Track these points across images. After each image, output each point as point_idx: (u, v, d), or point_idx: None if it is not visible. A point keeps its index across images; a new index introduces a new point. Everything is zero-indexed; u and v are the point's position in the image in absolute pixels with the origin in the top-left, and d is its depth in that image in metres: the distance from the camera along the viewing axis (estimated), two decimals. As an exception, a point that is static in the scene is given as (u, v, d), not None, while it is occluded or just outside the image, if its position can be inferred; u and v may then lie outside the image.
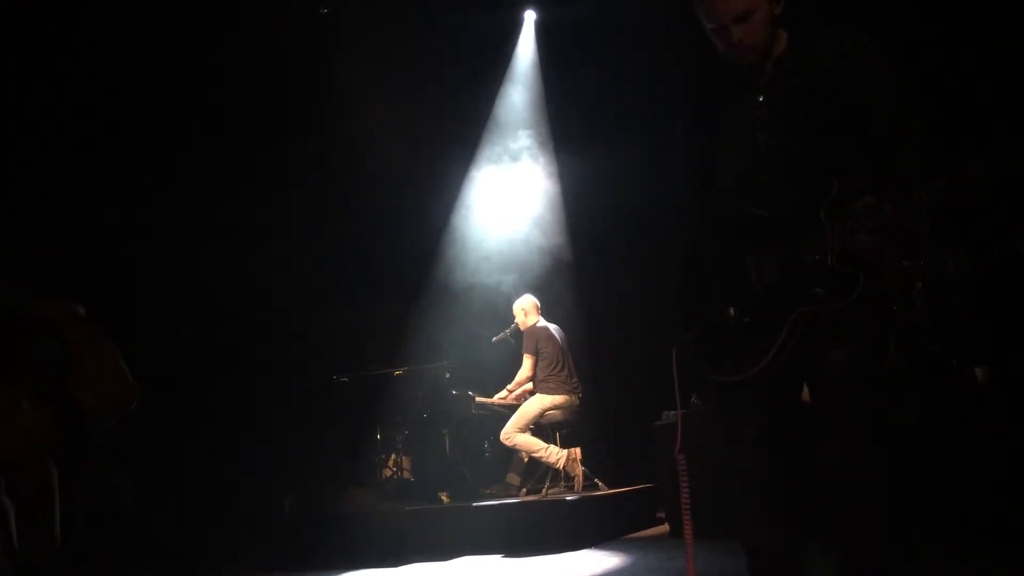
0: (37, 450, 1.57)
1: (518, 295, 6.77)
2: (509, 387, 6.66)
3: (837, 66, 2.20)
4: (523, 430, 6.19)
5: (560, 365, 6.33)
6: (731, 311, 2.28)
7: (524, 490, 6.26)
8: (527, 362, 6.45)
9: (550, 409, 6.23)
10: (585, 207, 7.48)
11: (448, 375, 6.92)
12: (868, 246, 2.04)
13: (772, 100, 2.28)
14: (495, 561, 4.87)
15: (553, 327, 6.53)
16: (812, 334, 2.14)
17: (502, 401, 6.67)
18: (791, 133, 2.24)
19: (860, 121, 2.19)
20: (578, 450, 6.06)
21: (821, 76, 2.21)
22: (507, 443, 6.21)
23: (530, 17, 7.83)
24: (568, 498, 5.47)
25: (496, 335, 6.91)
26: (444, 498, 6.28)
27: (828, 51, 2.23)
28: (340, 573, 4.88)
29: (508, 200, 7.81)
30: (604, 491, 5.95)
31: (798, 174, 2.21)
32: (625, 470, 6.48)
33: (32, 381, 1.60)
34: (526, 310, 6.60)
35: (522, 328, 6.59)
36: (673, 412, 5.28)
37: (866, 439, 2.15)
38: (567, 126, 7.62)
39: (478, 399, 6.68)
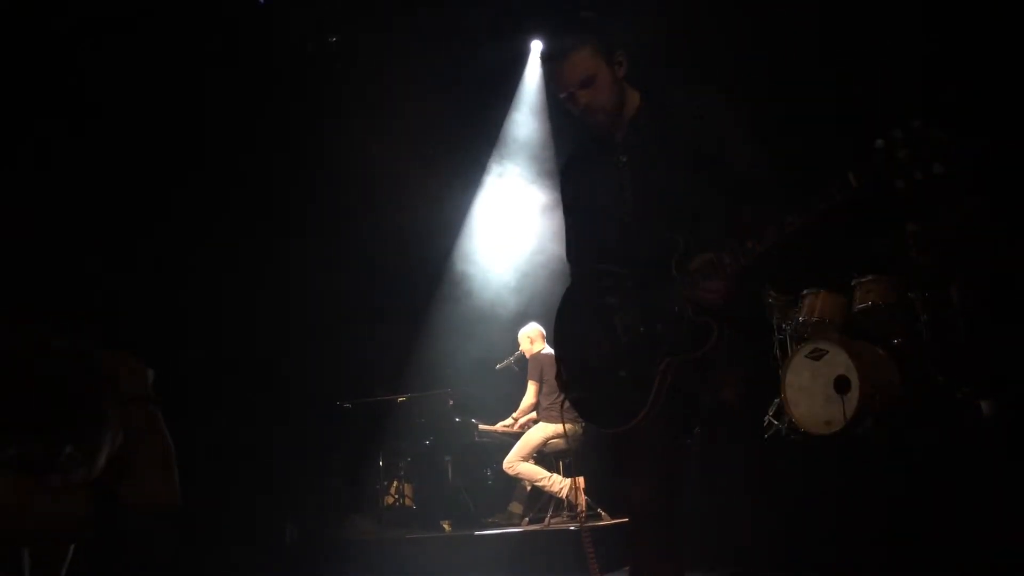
0: (66, 537, 1.48)
1: (523, 323, 6.76)
2: (514, 415, 6.63)
3: (688, 121, 2.34)
4: (526, 459, 6.16)
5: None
6: (606, 366, 2.41)
7: (527, 519, 6.21)
8: (531, 389, 6.43)
9: (553, 438, 6.20)
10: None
11: (451, 402, 6.90)
12: (714, 296, 2.18)
13: (633, 159, 2.41)
14: (497, 591, 4.83)
15: (558, 355, 6.51)
16: (685, 378, 2.29)
17: (506, 429, 6.64)
18: (650, 190, 2.38)
19: (713, 174, 2.32)
20: (581, 479, 6.02)
21: (674, 132, 2.35)
22: (510, 472, 6.18)
23: (537, 47, 7.90)
24: (571, 528, 5.43)
25: (500, 362, 6.90)
26: (446, 526, 6.24)
27: (679, 107, 2.38)
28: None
29: (515, 227, 7.83)
30: (607, 521, 5.90)
31: (657, 230, 2.33)
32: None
33: (79, 446, 1.49)
34: (531, 338, 6.58)
35: (527, 355, 6.58)
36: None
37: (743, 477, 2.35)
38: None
39: (481, 427, 6.65)
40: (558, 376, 2.61)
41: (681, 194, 2.33)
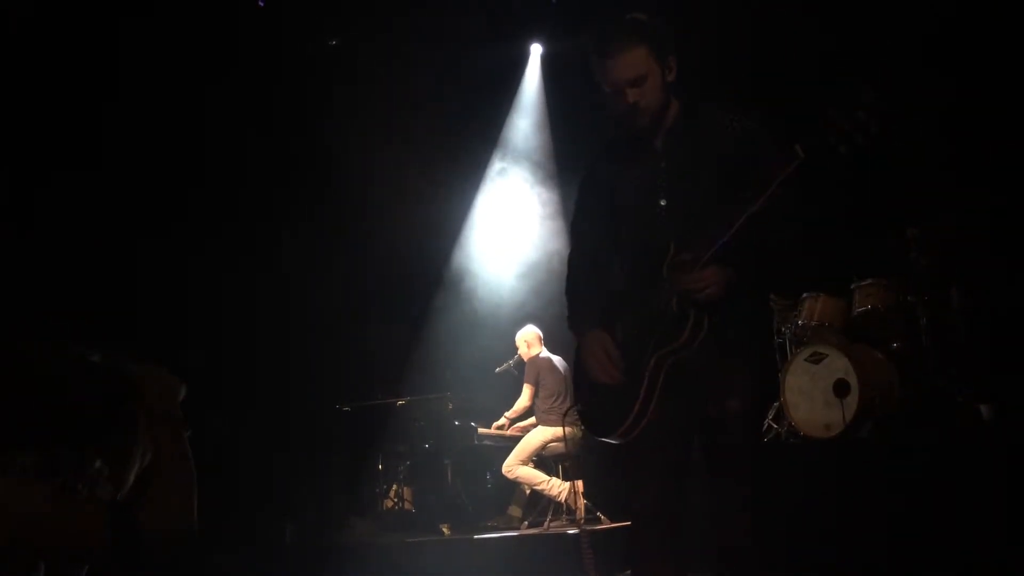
0: (83, 554, 1.44)
1: (522, 326, 6.75)
2: (507, 414, 6.64)
3: (724, 138, 2.39)
4: (525, 462, 6.15)
5: (563, 397, 6.29)
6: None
7: (526, 523, 6.21)
8: (526, 391, 6.43)
9: (552, 441, 6.19)
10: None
11: (451, 406, 6.89)
12: (698, 286, 2.24)
13: (671, 166, 2.44)
14: (495, 594, 4.81)
15: (557, 359, 6.50)
16: (682, 382, 2.30)
17: (503, 432, 6.63)
18: (680, 199, 2.41)
19: (739, 192, 2.34)
20: (580, 483, 6.01)
21: (710, 147, 2.39)
22: (509, 475, 6.17)
23: (536, 50, 7.90)
24: (570, 531, 5.42)
25: (500, 366, 6.89)
26: (445, 530, 6.23)
27: (717, 123, 2.42)
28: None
29: (514, 231, 7.82)
30: (606, 524, 5.89)
31: (669, 236, 2.37)
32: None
33: (108, 461, 1.46)
34: (528, 341, 6.58)
35: (524, 359, 6.57)
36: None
37: (751, 481, 2.36)
38: (573, 157, 7.65)
39: (480, 430, 6.64)
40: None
41: (709, 207, 2.34)
